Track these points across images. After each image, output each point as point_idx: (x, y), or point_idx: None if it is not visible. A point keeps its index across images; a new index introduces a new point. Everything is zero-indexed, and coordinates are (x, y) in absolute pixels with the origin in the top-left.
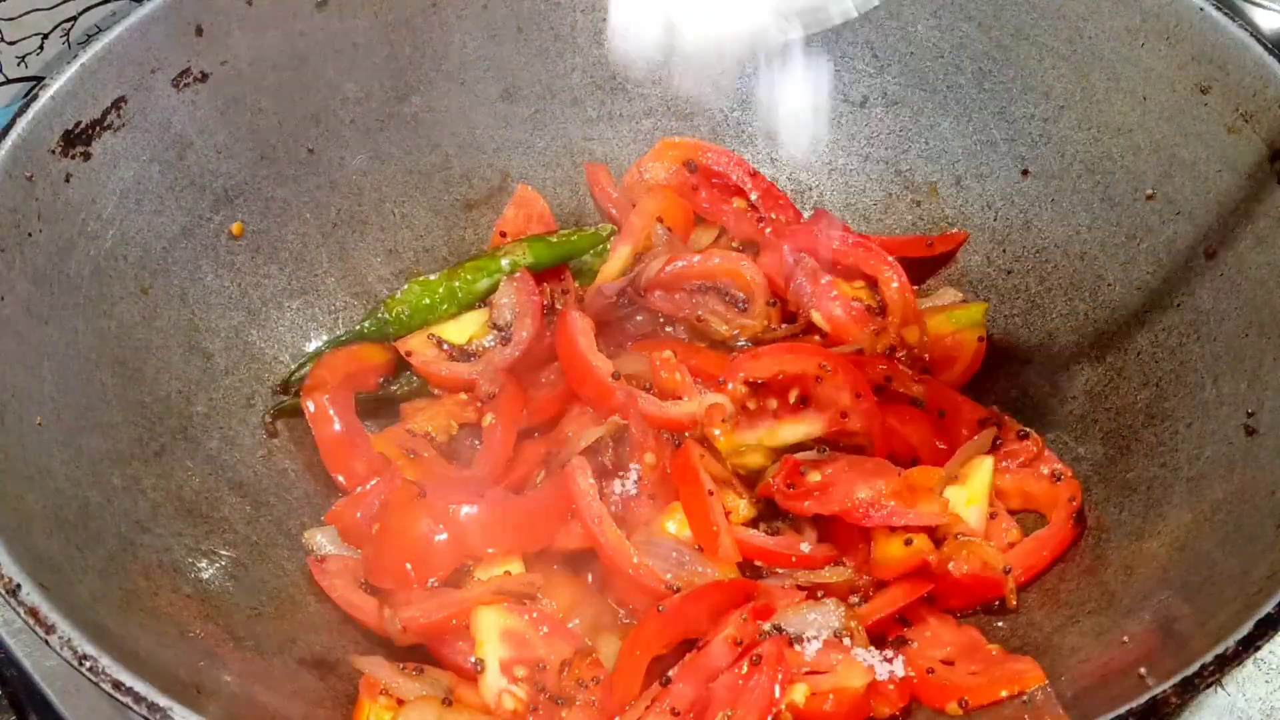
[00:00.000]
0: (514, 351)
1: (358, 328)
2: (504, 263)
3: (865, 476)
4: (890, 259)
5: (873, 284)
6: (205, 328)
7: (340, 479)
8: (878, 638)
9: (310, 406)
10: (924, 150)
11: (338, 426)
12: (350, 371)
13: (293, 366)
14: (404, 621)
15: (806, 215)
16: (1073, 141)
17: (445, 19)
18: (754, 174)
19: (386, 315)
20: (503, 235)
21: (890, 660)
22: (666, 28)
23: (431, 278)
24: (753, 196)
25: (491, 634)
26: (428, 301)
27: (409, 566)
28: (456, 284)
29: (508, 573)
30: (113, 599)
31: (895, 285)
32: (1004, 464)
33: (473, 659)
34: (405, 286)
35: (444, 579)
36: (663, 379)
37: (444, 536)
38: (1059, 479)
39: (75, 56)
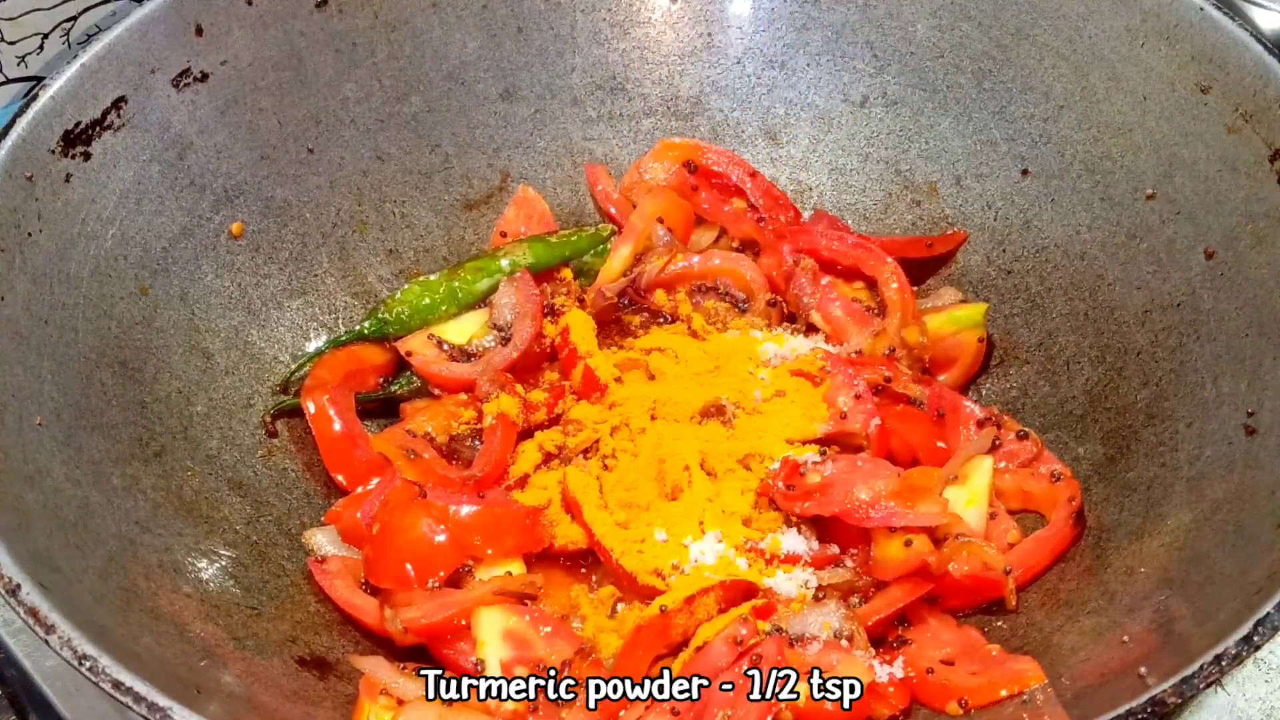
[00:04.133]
0: (514, 351)
1: (358, 328)
2: (504, 263)
3: (865, 477)
4: (890, 259)
5: (873, 284)
6: (205, 328)
7: (340, 479)
8: (878, 638)
9: (310, 407)
10: (924, 150)
11: (338, 426)
12: (350, 371)
13: (293, 366)
14: (405, 622)
15: (806, 215)
16: (1073, 141)
17: (445, 19)
18: (754, 174)
19: (386, 315)
20: (503, 235)
21: (890, 661)
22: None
23: (431, 278)
24: (752, 197)
25: (493, 634)
26: (428, 301)
27: (409, 567)
28: (456, 284)
29: (509, 573)
30: (113, 599)
31: (895, 286)
32: (1003, 464)
33: (473, 659)
34: (405, 286)
35: (445, 579)
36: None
37: (444, 537)
38: (1059, 479)
39: (75, 56)
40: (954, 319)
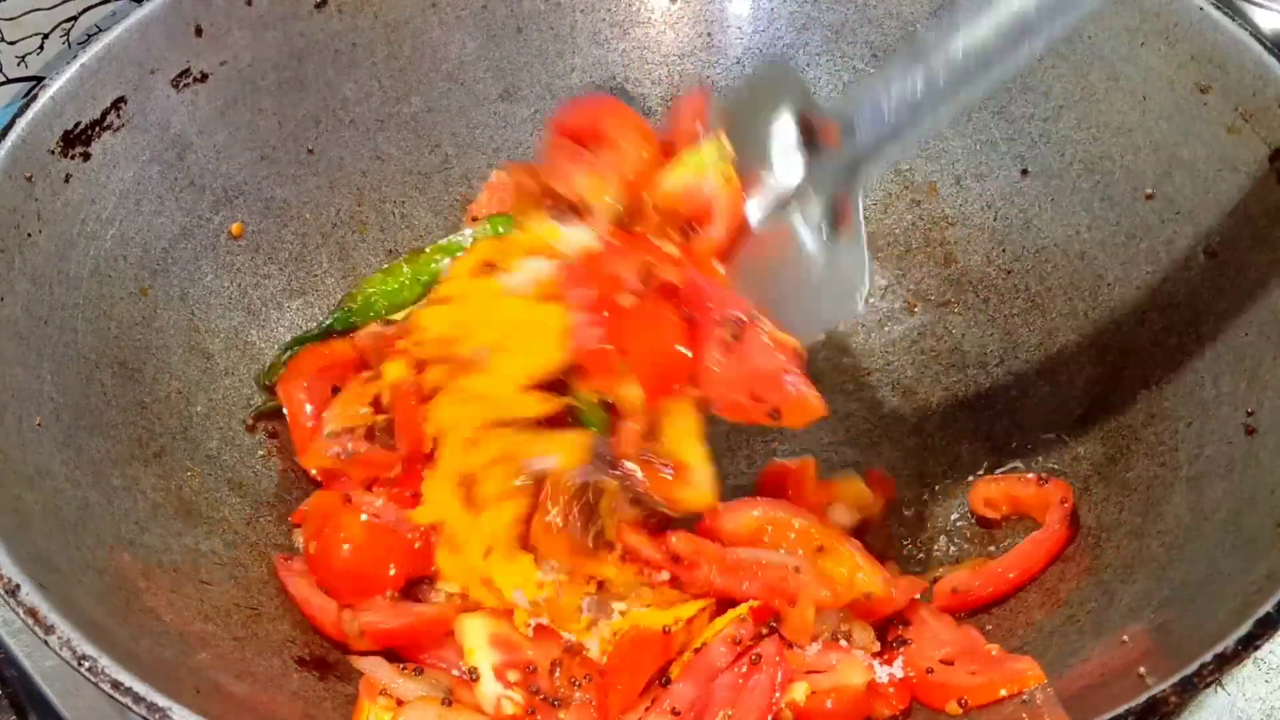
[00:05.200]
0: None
1: (326, 322)
2: (467, 241)
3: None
4: None
5: None
6: (205, 328)
7: (314, 473)
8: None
9: (285, 401)
10: (924, 150)
11: (311, 424)
12: (323, 366)
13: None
14: (363, 625)
15: None
16: (1073, 141)
17: (445, 19)
18: None
19: (352, 306)
20: (474, 220)
21: (889, 661)
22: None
23: (399, 263)
24: None
25: (480, 641)
26: (393, 287)
27: (353, 579)
28: (418, 267)
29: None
30: (113, 599)
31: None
32: (991, 474)
33: (465, 667)
34: (367, 277)
35: (400, 589)
36: None
37: (380, 550)
38: (1045, 482)
39: (75, 56)
40: (693, 165)
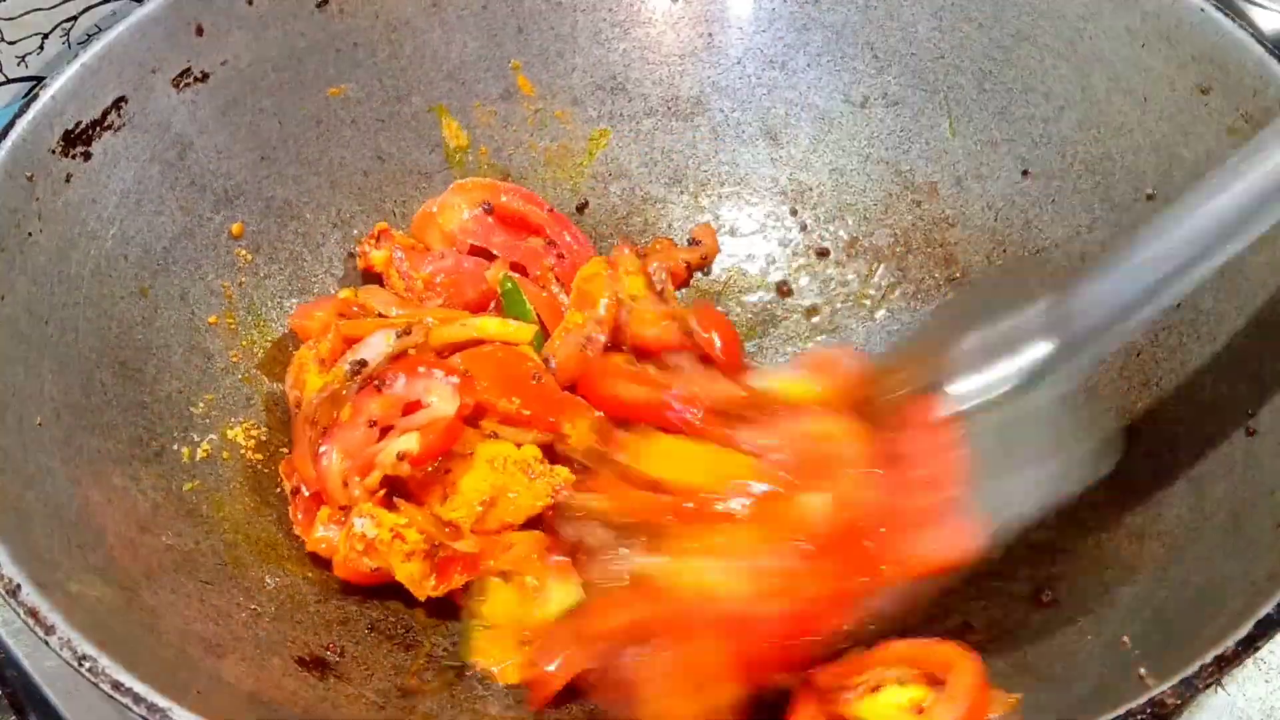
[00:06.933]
0: None
1: None
2: None
3: None
4: None
5: None
6: (205, 328)
7: None
8: None
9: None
10: (924, 150)
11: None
12: None
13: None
14: None
15: (808, 215)
16: (1073, 142)
17: (445, 19)
18: (552, 211)
19: None
20: None
21: None
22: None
23: None
24: (551, 233)
25: None
26: None
27: None
28: None
29: None
30: (113, 599)
31: None
32: None
33: None
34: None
35: None
36: None
37: None
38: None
39: (75, 56)
40: None
